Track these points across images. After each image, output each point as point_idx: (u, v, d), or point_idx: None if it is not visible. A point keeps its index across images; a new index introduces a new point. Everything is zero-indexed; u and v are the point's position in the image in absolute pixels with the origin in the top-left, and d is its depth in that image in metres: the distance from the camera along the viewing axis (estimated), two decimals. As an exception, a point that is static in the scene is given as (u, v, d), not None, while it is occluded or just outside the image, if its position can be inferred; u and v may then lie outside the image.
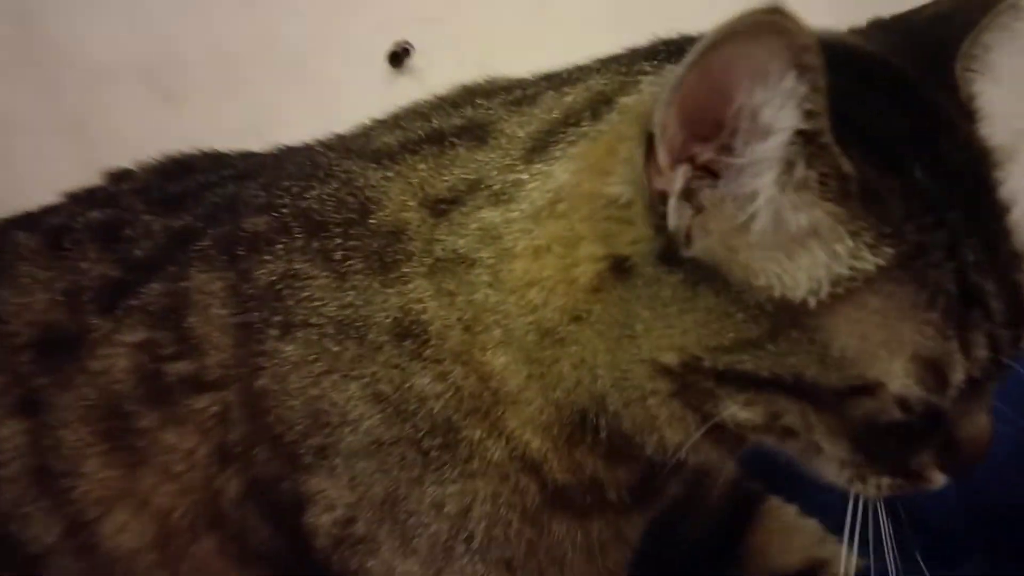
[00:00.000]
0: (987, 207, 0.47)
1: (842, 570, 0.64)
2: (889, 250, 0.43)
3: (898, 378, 0.44)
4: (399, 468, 0.53)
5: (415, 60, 1.05)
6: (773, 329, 0.44)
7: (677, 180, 0.44)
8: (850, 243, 0.43)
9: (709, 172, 0.44)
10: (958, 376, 0.45)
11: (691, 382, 0.46)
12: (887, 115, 0.47)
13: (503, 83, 0.61)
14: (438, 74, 0.94)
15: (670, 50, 0.52)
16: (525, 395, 0.51)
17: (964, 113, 0.51)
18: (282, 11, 1.06)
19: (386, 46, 1.05)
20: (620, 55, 0.56)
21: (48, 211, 0.70)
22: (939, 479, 0.49)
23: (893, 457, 0.48)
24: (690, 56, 0.40)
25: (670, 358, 0.46)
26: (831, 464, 0.48)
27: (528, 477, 0.53)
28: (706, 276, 0.45)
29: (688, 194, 0.44)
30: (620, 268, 0.47)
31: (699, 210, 0.45)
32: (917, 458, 0.48)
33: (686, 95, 0.42)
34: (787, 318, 0.44)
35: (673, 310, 0.46)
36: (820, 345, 0.44)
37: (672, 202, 0.44)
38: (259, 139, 0.77)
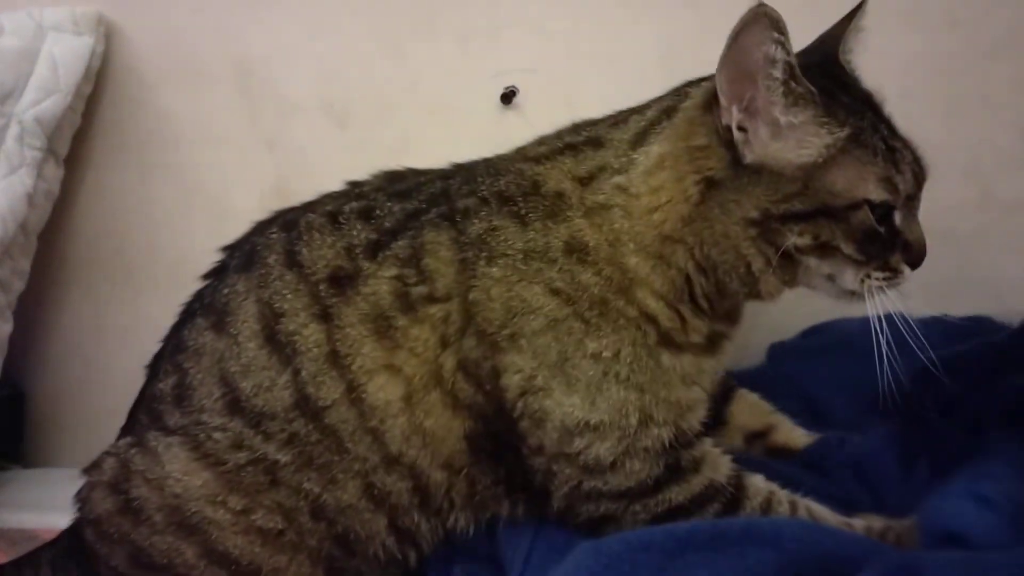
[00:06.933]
0: (884, 115, 0.82)
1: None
2: (843, 130, 0.77)
3: (873, 192, 0.77)
4: (567, 335, 0.79)
5: (519, 99, 1.27)
6: (804, 183, 0.78)
7: (734, 114, 0.78)
8: (822, 128, 0.77)
9: (747, 111, 0.78)
10: (902, 185, 0.78)
11: (767, 225, 0.78)
12: (823, 79, 0.80)
13: (595, 119, 0.91)
14: (534, 109, 1.28)
15: (697, 82, 0.86)
16: (650, 277, 0.80)
17: (852, 75, 0.86)
18: (424, 62, 1.28)
19: (499, 89, 1.26)
20: (667, 93, 0.89)
21: (317, 202, 0.92)
22: (907, 271, 0.81)
23: (881, 257, 0.80)
24: (726, 43, 0.75)
25: (754, 213, 0.78)
26: (849, 273, 0.80)
27: (650, 326, 0.81)
28: (760, 167, 0.78)
29: (740, 124, 0.78)
30: (710, 183, 0.78)
31: (746, 131, 0.78)
32: (893, 257, 0.80)
33: (727, 64, 0.77)
34: (809, 175, 0.78)
35: (750, 188, 0.78)
36: (829, 185, 0.77)
37: (733, 126, 0.78)
38: (405, 157, 0.97)
